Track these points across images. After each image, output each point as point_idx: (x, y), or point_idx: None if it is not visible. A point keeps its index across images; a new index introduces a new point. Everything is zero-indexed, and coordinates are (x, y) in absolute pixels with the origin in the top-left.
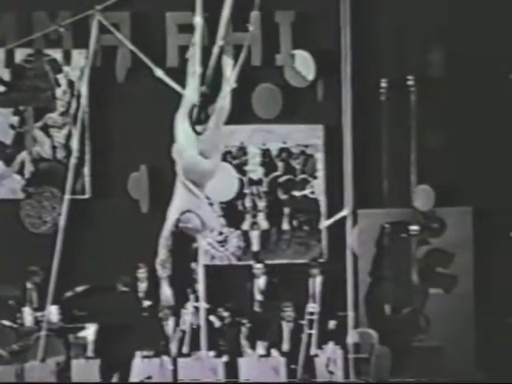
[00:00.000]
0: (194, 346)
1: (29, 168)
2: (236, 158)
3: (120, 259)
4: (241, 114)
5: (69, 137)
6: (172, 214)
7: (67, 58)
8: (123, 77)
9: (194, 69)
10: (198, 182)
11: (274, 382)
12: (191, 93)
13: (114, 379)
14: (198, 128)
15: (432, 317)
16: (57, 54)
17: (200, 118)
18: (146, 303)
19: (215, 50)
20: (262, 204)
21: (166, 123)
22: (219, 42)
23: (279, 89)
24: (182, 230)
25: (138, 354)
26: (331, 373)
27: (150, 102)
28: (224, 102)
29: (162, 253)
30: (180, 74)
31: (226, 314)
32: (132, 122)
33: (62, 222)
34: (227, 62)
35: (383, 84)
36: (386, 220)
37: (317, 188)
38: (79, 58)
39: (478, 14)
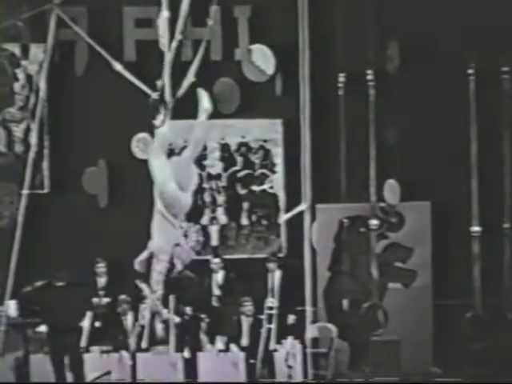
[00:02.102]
0: (153, 341)
1: None
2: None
3: (79, 254)
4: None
5: (27, 131)
6: (163, 248)
7: (25, 52)
8: (82, 71)
9: (155, 110)
10: (177, 215)
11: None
12: (162, 134)
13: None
14: (159, 121)
15: (391, 311)
16: (15, 49)
17: (159, 112)
18: (105, 300)
19: (174, 45)
20: (221, 199)
21: (125, 118)
22: (178, 36)
23: (238, 83)
24: (176, 264)
25: (96, 349)
26: (290, 367)
27: (110, 96)
28: (200, 133)
29: (158, 288)
30: (138, 68)
31: (186, 308)
32: (91, 117)
33: (20, 216)
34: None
35: (341, 78)
36: (345, 215)
37: (275, 183)
38: (38, 52)
39: (434, 8)
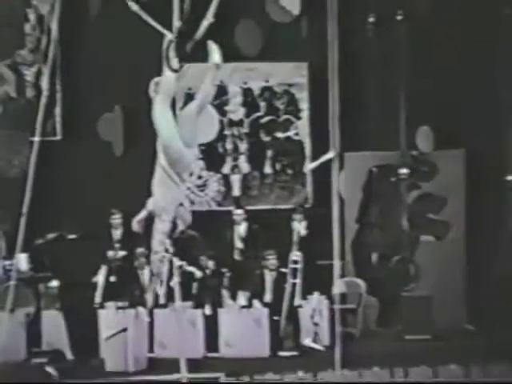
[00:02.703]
0: (171, 297)
1: None
2: (216, 97)
3: (93, 205)
4: (221, 50)
5: (39, 75)
6: (166, 208)
7: None
8: (96, 10)
9: (170, 53)
10: (181, 173)
11: None
12: (168, 82)
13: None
14: (175, 65)
15: (422, 265)
16: None
17: (179, 55)
18: (121, 253)
19: None
20: (243, 146)
21: (142, 60)
22: None
23: (262, 24)
24: (178, 224)
25: (111, 304)
26: (316, 324)
27: (126, 37)
28: (209, 87)
29: (160, 249)
30: (156, 9)
31: (209, 262)
32: (106, 59)
33: (31, 165)
34: None
35: (371, 19)
36: (374, 163)
37: (301, 129)
38: None
39: None
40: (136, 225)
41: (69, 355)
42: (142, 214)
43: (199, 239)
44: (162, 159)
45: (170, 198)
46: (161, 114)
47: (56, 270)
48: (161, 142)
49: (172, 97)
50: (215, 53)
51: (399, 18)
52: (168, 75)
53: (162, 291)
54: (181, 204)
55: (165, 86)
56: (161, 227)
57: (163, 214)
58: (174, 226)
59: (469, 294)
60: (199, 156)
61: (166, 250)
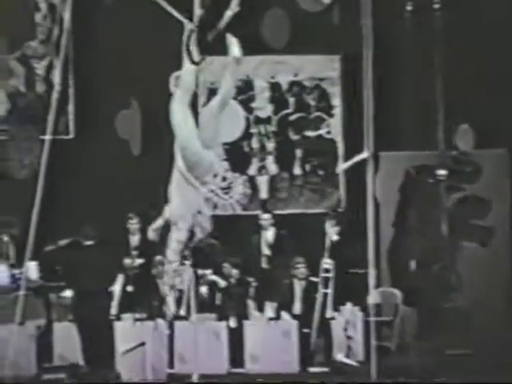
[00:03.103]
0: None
1: (4, 104)
2: (241, 92)
3: (108, 209)
4: (246, 42)
5: (50, 68)
6: (183, 216)
7: None
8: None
9: (191, 44)
10: (200, 177)
11: None
12: (189, 76)
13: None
14: (197, 57)
15: (464, 274)
16: None
17: (200, 45)
18: (138, 260)
19: None
20: (270, 145)
21: (161, 52)
22: None
23: (290, 14)
24: (196, 232)
25: (128, 316)
26: (349, 337)
27: (143, 27)
28: (230, 83)
29: (175, 259)
30: None
31: (233, 271)
32: (122, 52)
33: (42, 165)
34: None
35: (408, 8)
36: (412, 164)
37: (333, 127)
38: None
39: None
40: (152, 233)
41: (84, 369)
42: (159, 222)
43: (219, 248)
44: (179, 162)
45: (187, 205)
46: (178, 113)
47: (68, 278)
48: (178, 143)
49: (192, 93)
50: (234, 46)
51: (437, 6)
52: (188, 69)
53: (182, 302)
54: (199, 211)
55: (185, 80)
56: (176, 236)
57: (180, 222)
58: (192, 234)
59: None
60: (222, 157)
61: (182, 260)
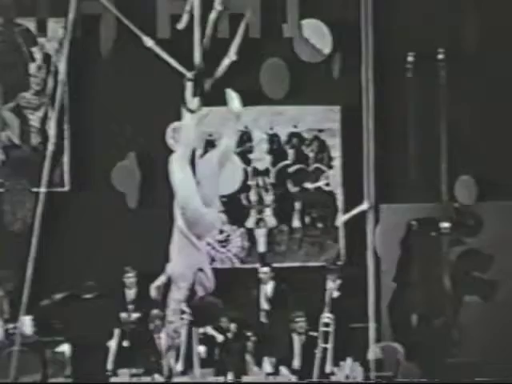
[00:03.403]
0: (191, 364)
1: None
2: (239, 144)
3: (104, 262)
4: (244, 93)
5: (45, 120)
6: (183, 274)
7: (42, 27)
8: (108, 50)
9: (188, 91)
10: (201, 235)
11: None
12: (188, 132)
13: None
14: (193, 105)
15: (467, 329)
16: (30, 24)
17: (196, 94)
18: (135, 315)
19: (212, 16)
20: (269, 198)
21: (158, 103)
22: (217, 6)
23: (289, 64)
24: (196, 294)
25: (125, 371)
26: None
27: (140, 78)
28: (230, 141)
29: (175, 319)
30: (172, 47)
31: (230, 325)
32: (119, 103)
33: (36, 219)
34: None
35: (410, 58)
36: (413, 216)
37: (332, 179)
38: (56, 27)
39: None
40: (154, 291)
41: None
42: (161, 279)
43: (220, 306)
44: (179, 221)
45: (188, 263)
46: (178, 171)
47: (64, 333)
48: (178, 201)
49: (192, 149)
50: (235, 100)
51: (440, 56)
52: (188, 124)
53: (179, 361)
54: (200, 269)
55: (185, 136)
56: (177, 295)
57: (180, 281)
58: (193, 293)
59: None
60: (221, 218)
61: (182, 319)
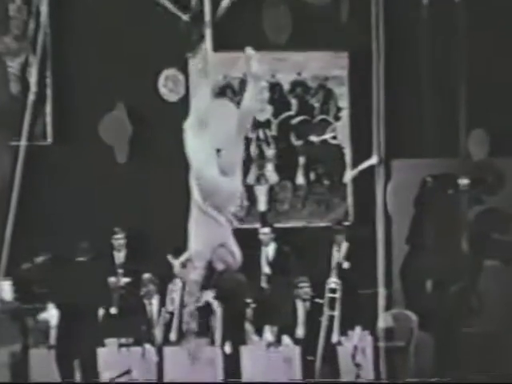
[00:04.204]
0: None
1: None
2: (238, 93)
3: (90, 222)
4: (245, 37)
5: (25, 67)
6: (200, 252)
7: None
8: None
9: (203, 64)
10: (220, 206)
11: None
12: (201, 97)
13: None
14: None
15: (487, 295)
16: None
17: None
18: (124, 279)
19: None
20: (270, 152)
21: (149, 49)
22: None
23: (293, 6)
24: (215, 272)
25: (113, 341)
26: (358, 365)
27: (130, 21)
28: (250, 104)
29: (191, 301)
30: None
31: None
32: (106, 48)
33: (17, 174)
34: None
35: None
36: (428, 172)
37: (340, 132)
38: None
39: None
40: (179, 269)
41: None
42: (185, 256)
43: (245, 284)
44: (194, 194)
45: (206, 240)
46: (191, 139)
47: (46, 300)
48: (193, 172)
49: (205, 114)
50: (253, 61)
51: None
52: (202, 91)
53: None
54: (221, 244)
55: (196, 100)
56: (193, 276)
57: (196, 260)
58: (211, 271)
59: None
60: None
61: (197, 301)
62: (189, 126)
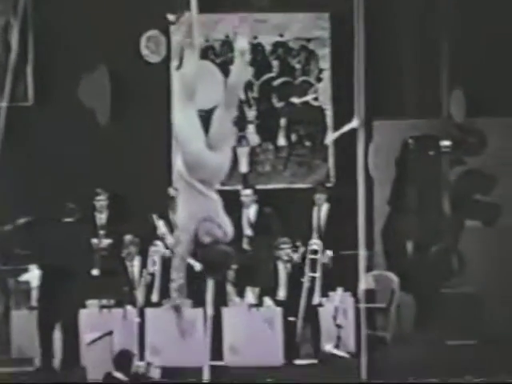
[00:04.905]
0: (166, 293)
1: None
2: (220, 54)
3: (72, 183)
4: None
5: (6, 28)
6: (184, 226)
7: None
8: None
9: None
10: (207, 180)
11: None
12: (190, 68)
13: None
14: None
15: (468, 256)
16: None
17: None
18: (106, 241)
19: None
20: (252, 113)
21: (131, 10)
22: None
23: None
24: (201, 246)
25: (94, 303)
26: (339, 326)
27: None
28: (237, 79)
29: (179, 276)
30: None
31: None
32: (88, 9)
33: None
34: None
35: None
36: (410, 133)
37: (321, 93)
38: None
39: None
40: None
41: (37, 363)
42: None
43: (231, 255)
44: (180, 167)
45: (190, 214)
46: (178, 111)
47: (28, 261)
48: (178, 145)
49: (194, 88)
50: (240, 38)
51: None
52: (189, 61)
53: (154, 287)
54: (206, 219)
55: (183, 71)
56: (178, 250)
57: (181, 234)
58: (197, 245)
59: None
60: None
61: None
62: (176, 99)
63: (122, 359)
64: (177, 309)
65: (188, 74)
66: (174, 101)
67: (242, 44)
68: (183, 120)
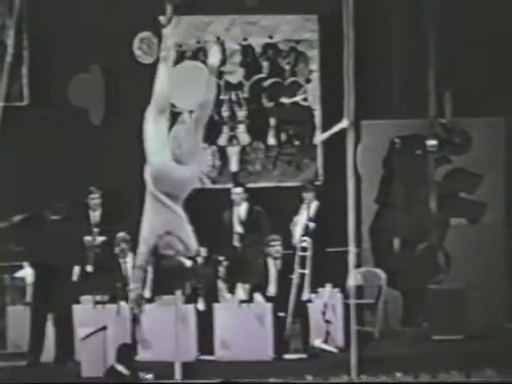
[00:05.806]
0: (159, 290)
1: None
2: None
3: (66, 182)
4: (218, 0)
5: (2, 29)
6: (145, 238)
7: None
8: None
9: (166, 52)
10: (172, 194)
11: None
12: (163, 85)
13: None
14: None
15: (453, 253)
16: None
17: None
18: (99, 238)
19: None
20: (242, 113)
21: (125, 12)
22: None
23: None
24: (161, 257)
25: (89, 299)
26: (328, 322)
27: None
28: (208, 95)
29: (136, 287)
30: None
31: (201, 249)
32: (82, 10)
33: None
34: None
35: None
36: (397, 133)
37: (310, 93)
38: None
39: None
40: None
41: (31, 358)
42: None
43: (190, 269)
44: (147, 176)
45: (152, 227)
46: (149, 122)
47: (23, 257)
48: (147, 156)
49: (167, 100)
50: (214, 54)
51: None
52: (163, 74)
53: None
54: (168, 232)
55: (158, 85)
56: (137, 261)
57: (141, 246)
58: (157, 258)
59: (508, 286)
60: (201, 175)
61: (141, 286)
62: (149, 112)
63: (124, 352)
64: (134, 319)
65: (161, 88)
66: (147, 111)
67: (213, 60)
68: (153, 131)
